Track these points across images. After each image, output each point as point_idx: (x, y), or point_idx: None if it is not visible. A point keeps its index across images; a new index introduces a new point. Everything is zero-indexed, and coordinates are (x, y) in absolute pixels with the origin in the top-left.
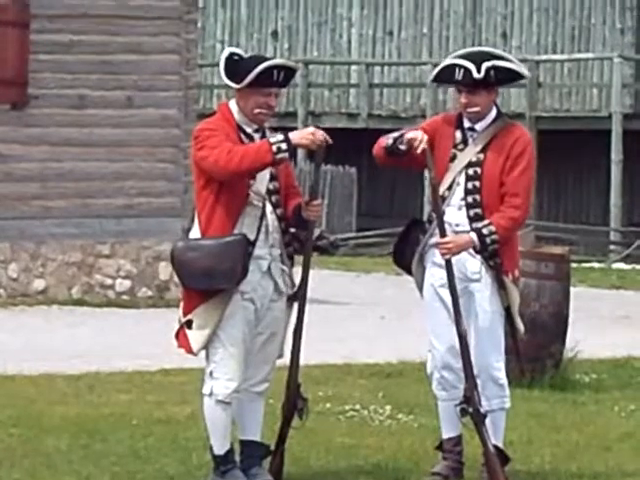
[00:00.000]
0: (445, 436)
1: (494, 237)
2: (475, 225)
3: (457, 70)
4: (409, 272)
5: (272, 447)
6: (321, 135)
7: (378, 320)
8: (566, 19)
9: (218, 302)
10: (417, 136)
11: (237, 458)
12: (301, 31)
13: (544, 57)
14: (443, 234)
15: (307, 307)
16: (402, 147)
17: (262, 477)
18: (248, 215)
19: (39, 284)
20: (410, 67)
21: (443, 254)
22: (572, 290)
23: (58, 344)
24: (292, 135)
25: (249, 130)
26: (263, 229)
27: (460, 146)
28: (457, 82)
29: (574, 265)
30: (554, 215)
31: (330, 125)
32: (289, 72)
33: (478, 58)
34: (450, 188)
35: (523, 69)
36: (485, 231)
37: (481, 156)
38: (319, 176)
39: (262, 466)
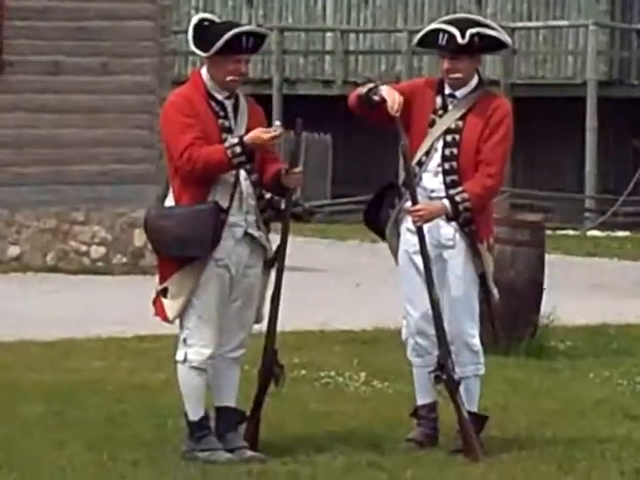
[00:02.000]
0: (420, 402)
1: (467, 204)
2: (448, 192)
3: (441, 35)
4: (382, 236)
5: (247, 413)
6: (273, 132)
7: (353, 287)
8: None
9: (192, 270)
10: (393, 98)
11: (212, 424)
12: None
13: (519, 24)
14: (415, 201)
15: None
16: (375, 98)
17: (237, 443)
18: (221, 182)
19: (14, 251)
20: (385, 34)
21: (415, 221)
22: (547, 257)
23: (33, 311)
24: (246, 137)
25: (220, 97)
26: (237, 196)
27: (440, 112)
28: (440, 47)
29: (549, 232)
30: (529, 182)
31: (305, 92)
32: (258, 38)
33: (463, 25)
34: (428, 154)
35: (507, 37)
36: (458, 198)
37: (460, 123)
38: (300, 144)
39: (237, 432)
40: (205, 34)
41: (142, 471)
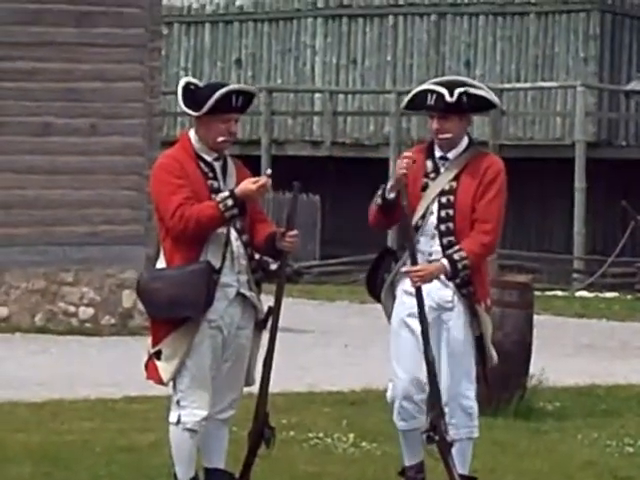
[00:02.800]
0: (407, 463)
1: (465, 262)
2: (446, 252)
3: (429, 95)
4: (379, 300)
5: (236, 475)
6: (263, 182)
7: (342, 348)
8: (530, 48)
9: (186, 331)
10: (397, 171)
11: None
12: (265, 59)
13: (508, 85)
14: (414, 262)
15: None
16: (391, 195)
17: None
18: (212, 242)
19: (2, 311)
20: (374, 95)
21: (415, 282)
22: (535, 318)
23: (21, 372)
24: (237, 190)
25: (209, 158)
26: (228, 256)
27: (432, 175)
28: (429, 107)
29: (537, 293)
30: (517, 243)
31: (294, 153)
32: (247, 96)
33: (451, 85)
34: (423, 217)
35: (495, 97)
36: (456, 257)
37: (454, 184)
38: (296, 207)
39: None
40: (195, 95)
41: None
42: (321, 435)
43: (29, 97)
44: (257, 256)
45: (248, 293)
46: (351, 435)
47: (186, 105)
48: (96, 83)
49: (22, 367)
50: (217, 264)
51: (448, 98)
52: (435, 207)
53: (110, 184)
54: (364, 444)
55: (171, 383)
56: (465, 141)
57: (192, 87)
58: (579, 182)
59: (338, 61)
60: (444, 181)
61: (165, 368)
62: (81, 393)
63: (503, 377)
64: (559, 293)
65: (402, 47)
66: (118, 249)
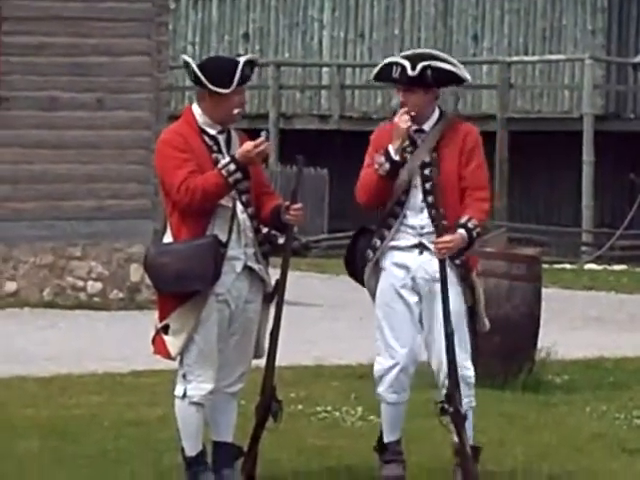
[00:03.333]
0: (388, 439)
1: (477, 230)
2: (460, 221)
3: (395, 68)
4: (359, 280)
5: (244, 448)
6: (262, 144)
7: (349, 322)
8: (537, 20)
9: (193, 305)
10: (400, 128)
11: (209, 459)
12: (272, 33)
13: (515, 58)
14: (440, 233)
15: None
16: (397, 157)
17: (234, 479)
18: (218, 216)
19: (10, 286)
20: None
21: (442, 253)
22: (544, 291)
23: (29, 346)
24: (237, 154)
25: (213, 132)
26: (235, 229)
27: (409, 149)
28: (394, 80)
29: (546, 266)
30: (526, 216)
31: (302, 127)
32: (253, 66)
33: (417, 58)
34: (407, 192)
35: (463, 72)
36: (470, 225)
37: (434, 155)
38: (301, 180)
39: (234, 467)
40: (216, 72)
41: None
42: (329, 408)
43: (36, 71)
44: (264, 229)
45: (256, 266)
46: (359, 408)
47: (214, 83)
48: (103, 57)
49: (30, 342)
50: (224, 237)
51: (410, 72)
52: (418, 181)
53: (117, 158)
54: (372, 417)
55: (178, 357)
56: (437, 112)
57: (209, 64)
58: (587, 155)
59: (346, 35)
60: (423, 153)
61: (173, 343)
62: (89, 367)
63: (511, 350)
64: (567, 266)
65: (409, 20)
66: (125, 223)
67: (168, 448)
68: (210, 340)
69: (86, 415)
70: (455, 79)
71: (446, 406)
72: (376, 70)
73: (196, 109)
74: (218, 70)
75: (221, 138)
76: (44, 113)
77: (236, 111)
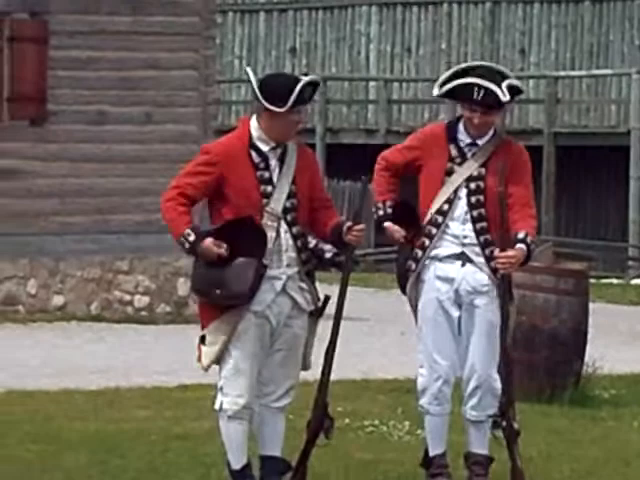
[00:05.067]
0: (434, 452)
1: (533, 246)
2: (519, 236)
3: (476, 90)
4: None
5: (292, 463)
6: (220, 249)
7: (396, 336)
8: (584, 35)
9: (229, 319)
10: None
11: (256, 474)
12: (319, 47)
13: (562, 73)
14: (504, 247)
15: (325, 323)
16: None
17: None
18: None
19: (58, 300)
20: (428, 83)
21: (505, 268)
22: (591, 306)
23: (77, 360)
24: (202, 242)
25: (265, 148)
26: (276, 249)
27: (457, 160)
28: (475, 102)
29: (593, 281)
30: (572, 231)
31: (348, 141)
32: (314, 87)
33: (493, 78)
34: (450, 202)
35: (517, 82)
36: (529, 240)
37: (482, 170)
38: (365, 201)
39: None
40: (273, 89)
41: None
42: (376, 422)
43: (84, 86)
44: (312, 244)
45: (295, 286)
46: (406, 422)
47: (269, 101)
48: (151, 71)
49: (78, 355)
50: (267, 260)
51: (503, 97)
52: (464, 193)
53: (165, 172)
54: (419, 432)
55: (217, 369)
56: (492, 129)
57: (270, 81)
58: (634, 170)
59: (392, 49)
60: (472, 167)
61: (207, 353)
62: (137, 381)
63: (558, 365)
64: (614, 281)
65: (456, 35)
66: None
67: (215, 462)
68: (247, 355)
69: (134, 429)
70: (517, 92)
71: (499, 420)
72: (447, 88)
73: (253, 122)
74: (276, 88)
75: (272, 155)
76: (92, 127)
77: (290, 130)
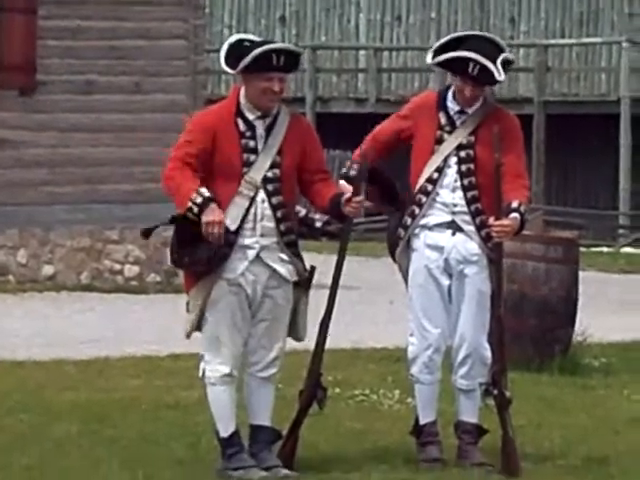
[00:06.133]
0: (425, 421)
1: (527, 216)
2: (512, 205)
3: (471, 65)
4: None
5: (282, 432)
6: (214, 230)
7: (386, 305)
8: (574, 4)
9: (203, 286)
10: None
11: (246, 442)
12: (309, 16)
13: (552, 42)
14: (499, 216)
15: (316, 293)
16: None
17: (271, 462)
18: (235, 205)
19: (48, 270)
20: (418, 52)
21: (500, 236)
22: (581, 274)
23: (67, 330)
24: (206, 210)
25: (251, 117)
26: (250, 218)
27: (447, 128)
28: (470, 77)
29: (583, 249)
30: (563, 199)
31: (338, 110)
32: (291, 56)
33: (487, 52)
34: (440, 170)
35: (511, 56)
36: (522, 209)
37: (472, 138)
38: (364, 173)
39: (271, 451)
40: (237, 52)
41: None
42: (367, 392)
43: (73, 55)
44: (302, 213)
45: (274, 256)
46: (396, 391)
47: (226, 61)
48: (140, 41)
49: (68, 325)
50: (233, 226)
51: (498, 76)
52: (453, 161)
53: (154, 142)
54: (409, 400)
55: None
56: (481, 98)
57: (247, 44)
58: (624, 138)
59: (382, 18)
60: (462, 135)
61: (187, 320)
62: (127, 351)
63: (548, 333)
64: (604, 249)
65: (446, 4)
66: (162, 207)
67: (206, 431)
68: (222, 323)
69: (124, 398)
70: (510, 65)
71: (490, 388)
72: (442, 58)
73: (242, 91)
74: (236, 50)
75: (259, 123)
76: (81, 97)
77: (260, 96)
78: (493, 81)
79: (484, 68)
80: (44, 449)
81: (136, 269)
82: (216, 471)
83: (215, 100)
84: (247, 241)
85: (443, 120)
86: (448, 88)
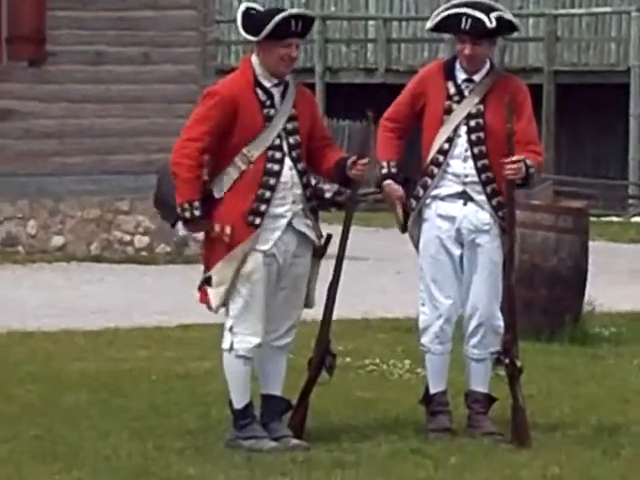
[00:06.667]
0: (435, 390)
1: (533, 170)
2: (518, 158)
3: (464, 19)
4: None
5: (292, 402)
6: (204, 227)
7: (396, 275)
8: None
9: (234, 259)
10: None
11: (257, 412)
12: None
13: (562, 11)
14: (512, 152)
15: (326, 262)
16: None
17: (282, 432)
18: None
19: (58, 240)
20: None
21: (514, 174)
22: (591, 244)
23: (77, 300)
24: (192, 225)
25: (268, 84)
26: (281, 186)
27: (455, 98)
28: (464, 32)
29: (593, 219)
30: (572, 169)
31: (348, 80)
32: (307, 21)
33: (482, 8)
34: (449, 140)
35: (518, 21)
36: (528, 162)
37: (481, 107)
38: (369, 135)
39: (282, 421)
40: (254, 19)
41: (187, 460)
42: (377, 361)
43: (82, 26)
44: (313, 182)
45: (302, 222)
46: (406, 361)
47: (245, 30)
48: (149, 11)
49: (78, 296)
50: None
51: (489, 24)
52: (463, 130)
53: (164, 113)
54: (419, 370)
55: (223, 310)
56: (488, 63)
57: (253, 12)
58: (634, 108)
59: None
60: (470, 104)
61: (215, 295)
62: (137, 321)
63: (558, 303)
64: (614, 219)
65: None
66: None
67: (216, 401)
68: (256, 294)
69: (134, 369)
70: (512, 29)
71: (502, 358)
72: (436, 20)
73: (255, 60)
74: (256, 18)
75: (276, 91)
76: (91, 67)
77: (280, 63)
78: (487, 32)
79: (476, 20)
80: (53, 419)
81: (146, 240)
82: (226, 441)
83: (226, 71)
84: (279, 210)
85: (452, 90)
86: (455, 58)
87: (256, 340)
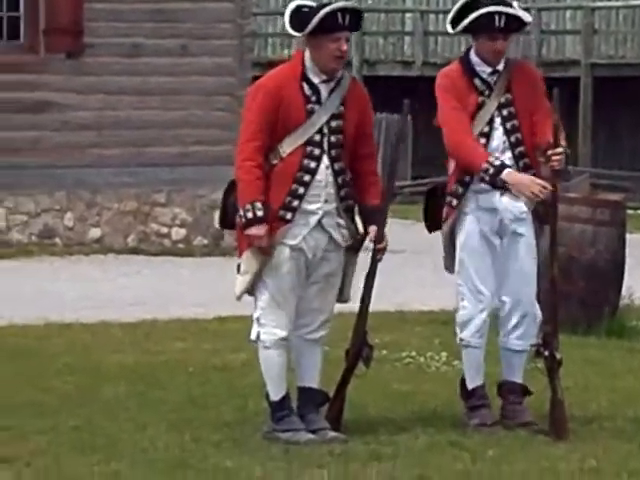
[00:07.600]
0: (475, 384)
1: (564, 157)
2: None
3: (497, 17)
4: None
5: (330, 394)
6: (260, 243)
7: (432, 268)
8: None
9: (258, 250)
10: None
11: (294, 405)
12: None
13: (599, 4)
14: (557, 143)
15: (362, 255)
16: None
17: (319, 424)
18: (301, 170)
19: (95, 233)
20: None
21: (558, 165)
22: (628, 237)
23: (114, 292)
24: (254, 226)
25: (316, 80)
26: (315, 184)
27: (486, 92)
28: (498, 29)
29: (630, 212)
30: (609, 162)
31: (385, 73)
32: (355, 14)
33: (503, 3)
34: (486, 135)
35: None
36: (568, 151)
37: (509, 96)
38: (406, 125)
39: (319, 413)
40: (302, 15)
41: (224, 452)
42: (414, 354)
43: (119, 18)
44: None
45: (332, 221)
46: (443, 354)
47: (292, 26)
48: (186, 3)
49: (115, 288)
50: (302, 190)
51: (527, 18)
52: (498, 122)
53: (201, 105)
54: (456, 362)
55: (252, 300)
56: None
57: (305, 9)
58: None
59: None
60: (499, 95)
61: (240, 282)
62: (174, 313)
63: (595, 295)
64: None
65: None
66: (209, 169)
67: (253, 393)
68: (283, 287)
69: (172, 361)
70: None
71: (541, 349)
72: (467, 22)
73: (307, 54)
74: (303, 14)
75: (323, 87)
76: (128, 60)
77: (331, 59)
78: (521, 26)
79: (510, 17)
80: (92, 411)
81: (183, 232)
82: (263, 433)
83: (262, 63)
84: (311, 207)
85: (480, 85)
86: (467, 55)
87: (282, 333)
